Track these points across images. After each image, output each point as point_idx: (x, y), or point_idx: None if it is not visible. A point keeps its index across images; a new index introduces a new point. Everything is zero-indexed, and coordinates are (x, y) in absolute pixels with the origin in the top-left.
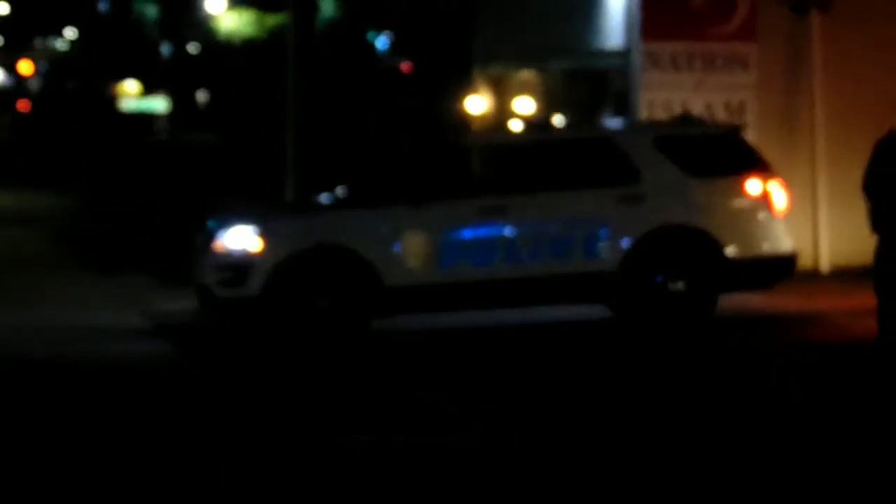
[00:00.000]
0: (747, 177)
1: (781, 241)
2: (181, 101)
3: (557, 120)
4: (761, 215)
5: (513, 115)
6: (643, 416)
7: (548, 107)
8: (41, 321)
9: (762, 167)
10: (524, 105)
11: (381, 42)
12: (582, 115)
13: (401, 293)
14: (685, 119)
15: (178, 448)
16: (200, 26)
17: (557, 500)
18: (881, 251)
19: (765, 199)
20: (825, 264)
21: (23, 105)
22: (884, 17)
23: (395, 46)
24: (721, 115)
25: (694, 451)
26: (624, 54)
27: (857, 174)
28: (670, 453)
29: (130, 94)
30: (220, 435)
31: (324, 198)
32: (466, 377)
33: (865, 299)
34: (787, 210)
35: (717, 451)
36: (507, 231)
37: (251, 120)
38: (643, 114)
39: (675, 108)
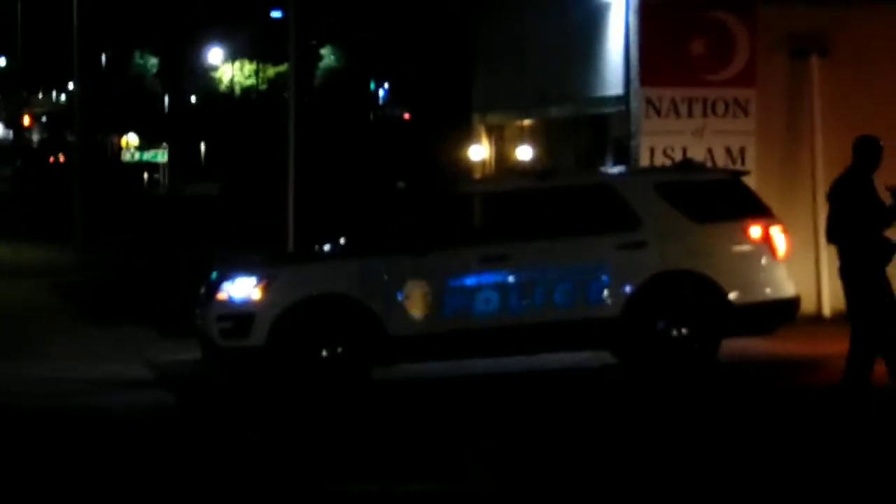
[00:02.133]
0: (749, 222)
1: (784, 285)
2: (182, 151)
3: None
4: (763, 260)
5: (513, 162)
6: (646, 462)
7: (548, 154)
8: (42, 372)
9: (763, 212)
10: (525, 152)
11: (382, 91)
12: (583, 162)
13: (404, 342)
14: (686, 165)
15: (180, 498)
16: (201, 78)
17: None
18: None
19: (766, 244)
20: (828, 308)
21: (60, 158)
22: (882, 61)
23: (395, 95)
24: (722, 161)
25: (698, 499)
26: (624, 101)
27: None
28: (673, 499)
29: (134, 146)
30: (221, 485)
31: (325, 247)
32: (468, 424)
33: None
34: (788, 254)
35: (721, 497)
36: (510, 279)
37: (251, 170)
38: (644, 160)
39: (676, 154)
